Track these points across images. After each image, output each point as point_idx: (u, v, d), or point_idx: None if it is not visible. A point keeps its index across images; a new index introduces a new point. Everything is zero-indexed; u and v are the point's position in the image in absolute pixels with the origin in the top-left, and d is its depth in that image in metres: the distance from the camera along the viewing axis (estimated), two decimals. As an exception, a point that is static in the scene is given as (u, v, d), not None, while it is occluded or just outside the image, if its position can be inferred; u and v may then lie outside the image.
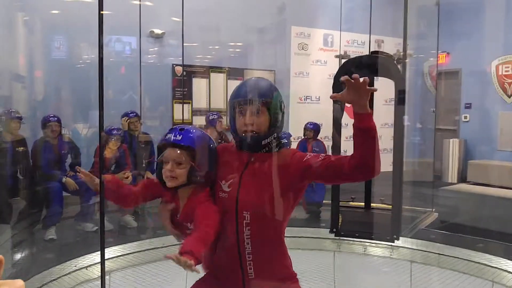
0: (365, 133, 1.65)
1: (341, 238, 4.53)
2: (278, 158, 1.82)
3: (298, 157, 1.79)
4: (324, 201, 5.66)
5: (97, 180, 1.88)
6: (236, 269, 1.81)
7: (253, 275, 1.79)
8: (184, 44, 6.04)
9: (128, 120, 5.74)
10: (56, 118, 5.14)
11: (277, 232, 1.82)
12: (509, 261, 4.09)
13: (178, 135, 1.79)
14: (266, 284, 1.82)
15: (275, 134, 1.84)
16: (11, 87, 5.84)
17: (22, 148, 4.89)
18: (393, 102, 4.31)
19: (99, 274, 3.99)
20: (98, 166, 5.27)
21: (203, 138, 1.86)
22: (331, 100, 4.38)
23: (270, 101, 1.81)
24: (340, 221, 4.49)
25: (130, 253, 4.45)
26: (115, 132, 5.31)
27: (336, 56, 6.49)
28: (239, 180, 1.81)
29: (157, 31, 7.41)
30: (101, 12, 2.11)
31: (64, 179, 5.03)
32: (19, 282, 0.78)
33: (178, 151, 1.78)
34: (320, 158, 1.74)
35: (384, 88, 5.28)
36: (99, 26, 1.99)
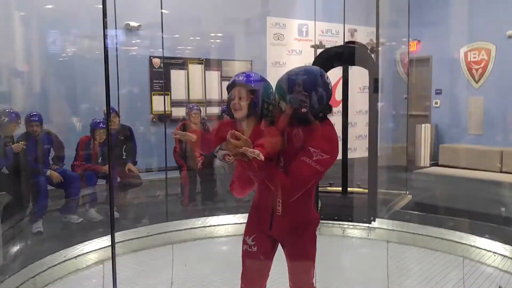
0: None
1: (321, 221, 4.71)
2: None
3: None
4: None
5: (194, 137, 2.39)
6: (268, 206, 2.28)
7: (280, 212, 2.25)
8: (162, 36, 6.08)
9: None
10: (36, 118, 5.11)
11: None
12: (477, 237, 4.34)
13: (241, 77, 2.35)
14: (288, 221, 2.26)
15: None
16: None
17: (11, 143, 4.89)
18: (367, 90, 4.49)
19: (88, 263, 4.13)
20: (82, 159, 5.38)
21: (261, 80, 2.38)
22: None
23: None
24: (319, 205, 4.68)
25: (116, 243, 4.54)
26: (101, 125, 5.38)
27: (312, 46, 6.64)
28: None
29: (133, 23, 7.43)
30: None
31: (48, 172, 5.08)
32: None
33: (241, 89, 2.31)
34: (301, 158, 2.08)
35: (358, 76, 5.48)
36: (103, 19, 2.11)
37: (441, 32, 9.05)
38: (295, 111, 2.15)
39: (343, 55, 4.54)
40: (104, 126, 5.43)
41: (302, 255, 2.33)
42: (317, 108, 2.16)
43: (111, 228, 2.36)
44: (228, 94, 2.37)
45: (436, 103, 9.65)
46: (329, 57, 4.64)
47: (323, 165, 2.07)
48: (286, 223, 2.27)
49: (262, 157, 1.90)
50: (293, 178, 2.07)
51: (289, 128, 2.19)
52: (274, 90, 2.30)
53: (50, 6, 6.62)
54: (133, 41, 7.63)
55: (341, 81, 5.07)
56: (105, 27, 2.16)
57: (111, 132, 5.77)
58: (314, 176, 2.10)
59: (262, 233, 2.35)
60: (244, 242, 2.39)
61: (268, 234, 2.34)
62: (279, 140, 2.15)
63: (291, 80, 2.16)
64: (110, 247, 4.27)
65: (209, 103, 8.09)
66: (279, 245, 2.43)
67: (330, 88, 2.20)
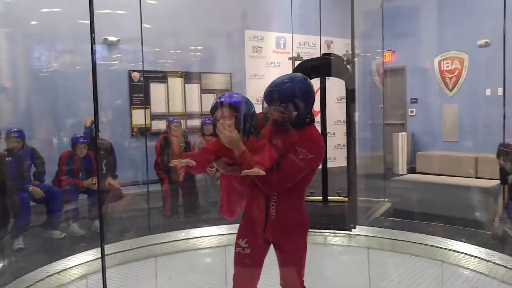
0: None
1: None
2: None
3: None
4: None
5: (193, 162, 2.34)
6: (262, 210, 2.41)
7: (274, 215, 2.39)
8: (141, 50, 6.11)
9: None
10: (17, 134, 5.10)
11: (295, 189, 2.38)
12: (455, 242, 4.46)
13: (221, 98, 2.39)
14: (282, 224, 2.41)
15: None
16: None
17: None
18: (344, 100, 4.61)
19: (71, 278, 4.12)
20: (63, 174, 5.36)
21: (242, 98, 2.42)
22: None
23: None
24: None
25: (99, 258, 4.52)
26: (82, 140, 5.38)
27: (290, 58, 6.77)
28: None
29: (112, 38, 7.45)
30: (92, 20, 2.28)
31: (30, 188, 5.06)
32: None
33: (224, 109, 2.35)
34: (288, 155, 2.29)
35: (335, 87, 5.61)
36: (91, 35, 2.17)
37: (415, 42, 9.31)
38: (283, 118, 2.33)
39: (319, 67, 4.66)
40: (85, 141, 5.45)
41: (295, 255, 2.48)
42: (303, 113, 2.35)
43: (101, 240, 2.40)
44: (212, 116, 2.44)
45: (412, 111, 9.88)
46: (306, 69, 4.75)
47: (306, 163, 2.28)
48: (279, 225, 2.41)
49: (263, 173, 2.14)
50: (279, 172, 2.27)
51: (278, 135, 2.37)
52: (262, 100, 2.41)
53: (34, 23, 6.61)
54: (112, 56, 7.64)
55: (319, 92, 5.20)
56: (93, 42, 2.22)
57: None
58: (298, 171, 2.30)
59: (255, 236, 2.47)
60: (237, 245, 2.51)
61: (262, 237, 2.47)
62: (272, 151, 2.29)
63: (279, 90, 2.34)
64: (94, 261, 4.32)
65: (189, 115, 8.14)
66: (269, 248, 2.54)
67: (314, 93, 2.40)
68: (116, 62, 7.70)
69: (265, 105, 2.41)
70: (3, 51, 6.33)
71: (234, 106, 2.38)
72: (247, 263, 2.49)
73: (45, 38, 6.64)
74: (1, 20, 6.18)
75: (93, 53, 2.29)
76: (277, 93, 2.33)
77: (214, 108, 2.41)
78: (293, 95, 2.33)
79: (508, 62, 5.27)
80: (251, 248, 2.48)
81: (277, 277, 2.56)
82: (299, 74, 2.46)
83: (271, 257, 2.55)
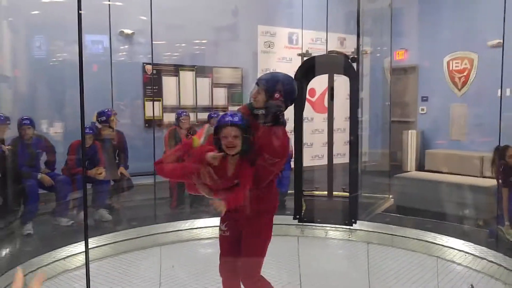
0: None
1: (304, 224, 4.91)
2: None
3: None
4: (290, 191, 5.99)
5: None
6: None
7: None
8: (153, 43, 6.23)
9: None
10: (28, 122, 5.24)
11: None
12: (450, 238, 4.52)
13: (233, 117, 2.52)
14: (249, 206, 2.62)
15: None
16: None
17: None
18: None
19: (77, 264, 4.27)
20: (72, 163, 5.51)
21: (247, 119, 2.57)
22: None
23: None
24: (303, 208, 4.86)
25: (106, 244, 4.71)
26: (87, 131, 5.50)
27: (299, 55, 6.86)
28: None
29: (127, 31, 7.60)
30: (80, 11, 2.41)
31: (39, 176, 5.20)
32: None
33: (235, 128, 2.48)
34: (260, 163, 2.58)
35: (346, 83, 5.67)
36: (78, 25, 2.28)
37: (427, 41, 9.27)
38: (274, 106, 2.58)
39: (323, 64, 4.73)
40: (91, 131, 5.56)
41: (257, 241, 2.73)
42: (284, 110, 2.66)
43: (85, 235, 2.56)
44: (217, 133, 2.54)
45: (422, 109, 9.86)
46: (311, 66, 4.84)
47: (275, 166, 2.57)
48: (247, 207, 2.64)
49: (222, 210, 2.44)
50: (256, 179, 2.55)
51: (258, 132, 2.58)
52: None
53: (36, 12, 6.75)
54: (127, 48, 7.78)
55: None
56: (80, 30, 2.29)
57: (105, 137, 5.92)
58: (269, 174, 2.61)
59: (232, 219, 2.75)
60: (220, 228, 2.84)
61: (235, 218, 2.72)
62: (244, 192, 2.55)
63: (273, 85, 2.58)
64: (97, 248, 4.47)
65: (200, 109, 8.27)
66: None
67: None
68: (131, 54, 7.85)
69: (255, 89, 2.60)
70: (6, 40, 6.43)
71: (239, 126, 2.51)
72: (227, 243, 2.80)
73: (48, 29, 6.71)
74: (4, 9, 6.30)
75: (80, 44, 2.39)
76: (281, 85, 2.57)
77: (223, 126, 2.52)
78: (291, 91, 2.62)
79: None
80: (230, 231, 2.78)
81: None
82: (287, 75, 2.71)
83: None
